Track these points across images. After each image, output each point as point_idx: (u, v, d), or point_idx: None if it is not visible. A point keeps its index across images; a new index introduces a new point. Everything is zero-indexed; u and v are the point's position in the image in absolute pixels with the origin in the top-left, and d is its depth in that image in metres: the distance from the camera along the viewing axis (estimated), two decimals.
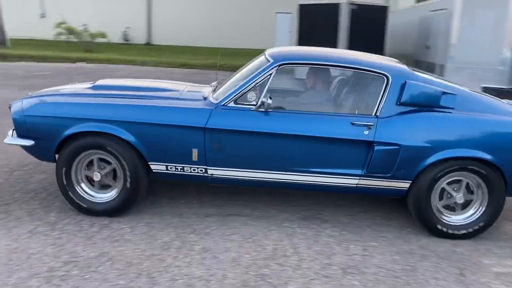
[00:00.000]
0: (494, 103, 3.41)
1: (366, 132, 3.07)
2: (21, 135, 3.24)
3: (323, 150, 3.13)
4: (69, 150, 3.14)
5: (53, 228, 3.03)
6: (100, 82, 3.83)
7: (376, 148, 3.05)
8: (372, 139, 3.06)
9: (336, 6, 9.75)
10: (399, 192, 3.21)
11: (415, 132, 3.10)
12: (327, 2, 10.08)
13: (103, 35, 16.54)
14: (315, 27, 9.91)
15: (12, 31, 16.72)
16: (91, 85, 3.69)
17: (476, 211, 3.21)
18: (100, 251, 2.76)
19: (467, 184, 3.20)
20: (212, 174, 3.23)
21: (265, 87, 3.15)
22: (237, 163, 3.19)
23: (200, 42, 20.54)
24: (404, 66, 3.43)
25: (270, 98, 3.08)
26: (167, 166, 3.22)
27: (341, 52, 4.17)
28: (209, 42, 20.30)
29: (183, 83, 4.14)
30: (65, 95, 3.51)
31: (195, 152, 3.15)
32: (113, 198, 3.22)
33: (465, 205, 3.24)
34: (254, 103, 3.13)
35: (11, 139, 3.30)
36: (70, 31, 16.73)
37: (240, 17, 20.90)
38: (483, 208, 3.18)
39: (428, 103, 3.17)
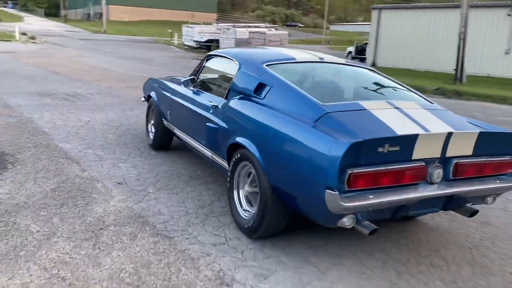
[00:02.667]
0: (310, 104, 2.82)
1: (211, 111, 3.54)
2: (143, 96, 5.64)
3: (194, 120, 3.87)
4: (148, 105, 5.38)
5: None
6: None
7: (206, 124, 3.52)
8: (209, 117, 3.51)
9: None
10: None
11: (225, 115, 3.32)
12: None
13: None
14: None
15: (470, 68, 16.55)
16: None
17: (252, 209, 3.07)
18: None
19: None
20: (176, 133, 4.50)
21: (199, 71, 4.30)
22: (178, 125, 4.40)
23: None
24: (264, 58, 3.50)
25: (196, 80, 4.23)
26: (165, 123, 4.74)
27: (252, 49, 4.74)
28: None
29: None
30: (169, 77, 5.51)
31: (168, 114, 4.60)
32: (152, 137, 5.14)
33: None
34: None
35: (143, 98, 5.66)
36: None
37: None
38: (255, 206, 2.98)
39: (245, 91, 3.33)
